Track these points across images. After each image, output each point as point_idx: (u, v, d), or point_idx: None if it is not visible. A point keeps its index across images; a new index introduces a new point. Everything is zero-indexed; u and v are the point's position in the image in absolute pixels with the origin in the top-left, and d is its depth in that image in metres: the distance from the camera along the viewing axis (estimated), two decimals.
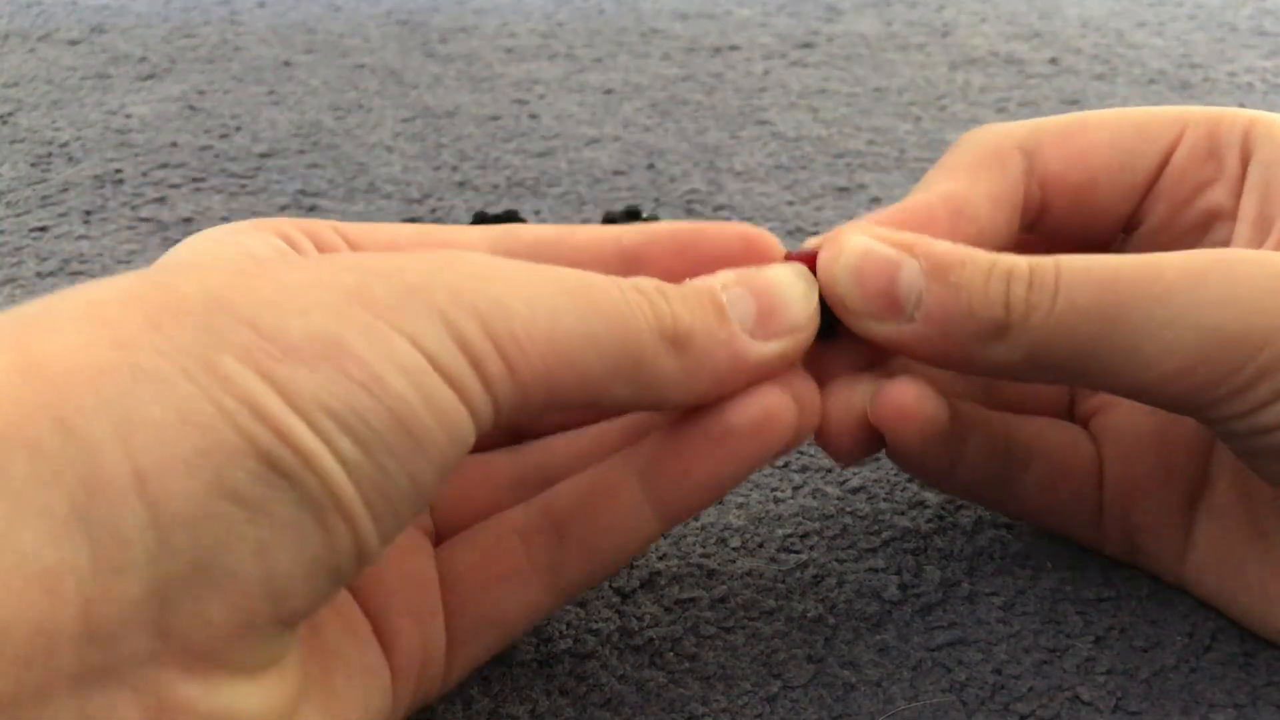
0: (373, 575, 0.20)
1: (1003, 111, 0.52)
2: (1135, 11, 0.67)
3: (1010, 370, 0.20)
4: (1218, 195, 0.22)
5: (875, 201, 0.43)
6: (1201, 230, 0.23)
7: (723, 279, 0.20)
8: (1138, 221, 0.24)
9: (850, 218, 0.41)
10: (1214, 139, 0.23)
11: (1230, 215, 0.22)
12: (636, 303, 0.19)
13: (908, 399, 0.21)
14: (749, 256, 0.21)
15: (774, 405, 0.20)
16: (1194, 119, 0.23)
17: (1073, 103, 0.52)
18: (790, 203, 0.43)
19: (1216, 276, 0.19)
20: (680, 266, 0.21)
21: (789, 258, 0.22)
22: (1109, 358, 0.19)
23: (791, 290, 0.21)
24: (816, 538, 0.26)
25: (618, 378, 0.18)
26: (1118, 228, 0.24)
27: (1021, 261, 0.20)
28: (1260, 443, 0.19)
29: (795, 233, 0.40)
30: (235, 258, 0.19)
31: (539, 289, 0.18)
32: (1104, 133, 0.23)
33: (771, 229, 0.41)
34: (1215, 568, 0.23)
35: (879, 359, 0.22)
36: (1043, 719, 0.21)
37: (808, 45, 0.61)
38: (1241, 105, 0.52)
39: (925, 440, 0.21)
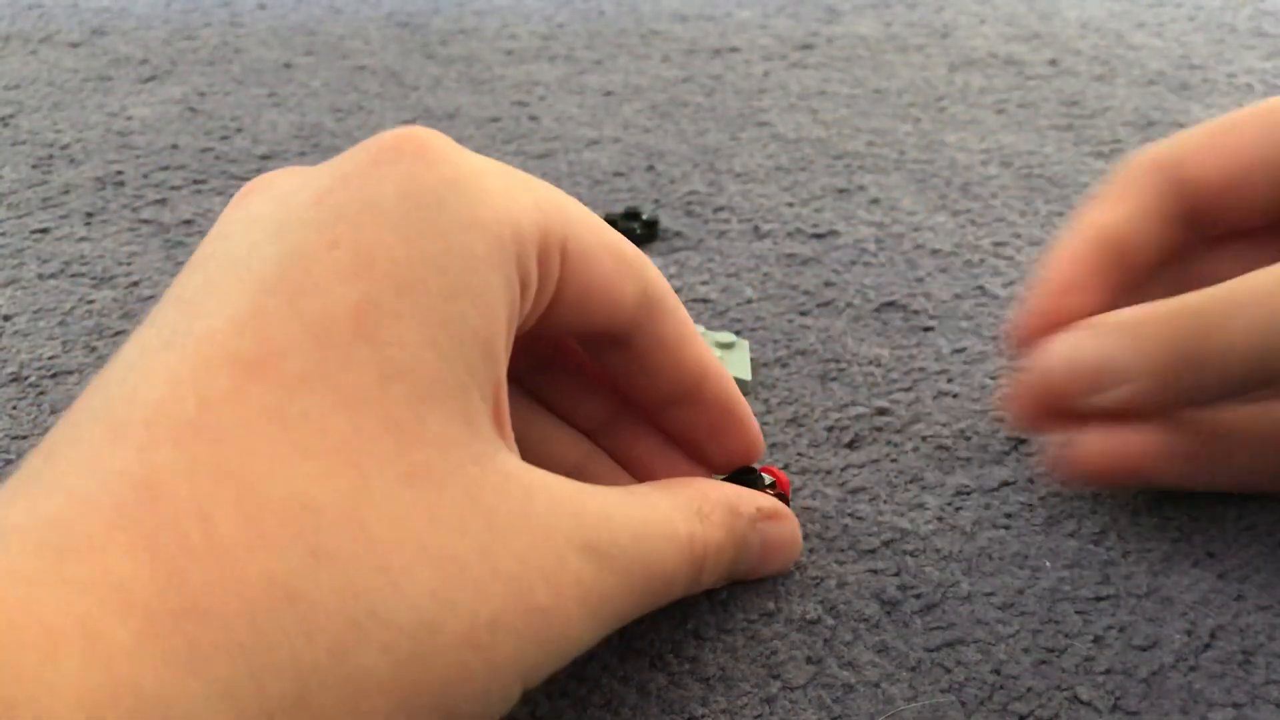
0: None
1: (1002, 113, 0.52)
2: (1134, 13, 0.67)
3: (1239, 370, 0.22)
4: None
5: (875, 203, 0.43)
6: None
7: None
8: None
9: (850, 219, 0.41)
10: None
11: None
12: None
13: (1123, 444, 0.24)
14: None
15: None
16: None
17: (1072, 104, 0.52)
18: (790, 204, 0.43)
19: None
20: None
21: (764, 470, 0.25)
22: None
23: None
24: (816, 539, 0.26)
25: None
26: None
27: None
28: None
29: (795, 234, 0.40)
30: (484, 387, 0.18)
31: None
32: (1249, 128, 0.24)
33: (771, 230, 0.41)
34: None
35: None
36: (1041, 719, 0.21)
37: (807, 47, 0.62)
38: (1240, 107, 0.52)
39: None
